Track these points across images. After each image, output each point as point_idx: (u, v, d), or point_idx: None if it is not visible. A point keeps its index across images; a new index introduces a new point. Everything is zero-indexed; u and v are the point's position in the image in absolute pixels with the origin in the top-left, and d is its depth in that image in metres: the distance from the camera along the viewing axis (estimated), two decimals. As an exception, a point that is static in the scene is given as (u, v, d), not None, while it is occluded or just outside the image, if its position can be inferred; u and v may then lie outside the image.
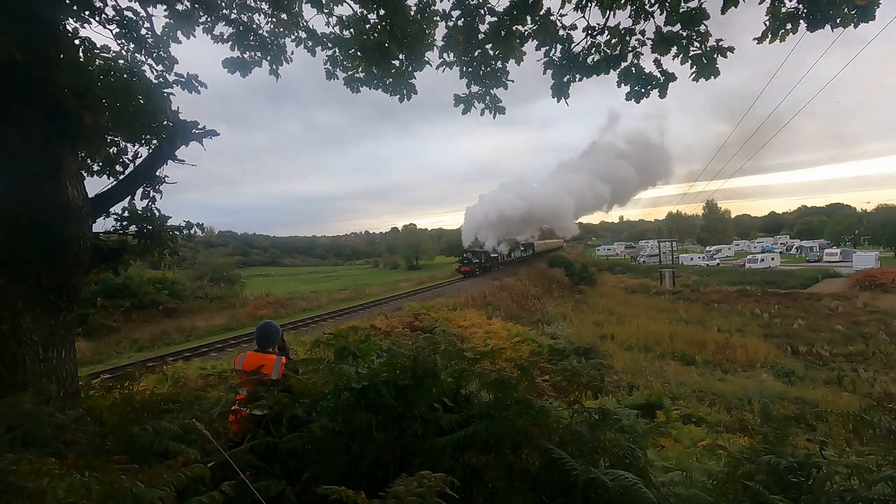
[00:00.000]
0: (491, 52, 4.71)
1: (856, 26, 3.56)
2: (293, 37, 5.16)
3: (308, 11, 5.00)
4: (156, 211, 4.15)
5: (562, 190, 60.55)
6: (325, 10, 4.97)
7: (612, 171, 65.22)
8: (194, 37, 4.79)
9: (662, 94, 4.35)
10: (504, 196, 51.55)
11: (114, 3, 4.20)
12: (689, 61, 4.11)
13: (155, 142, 3.98)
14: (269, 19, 5.08)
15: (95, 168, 4.16)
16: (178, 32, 4.61)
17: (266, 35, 5.11)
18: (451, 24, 4.58)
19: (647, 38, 4.20)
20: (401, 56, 5.00)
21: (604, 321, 28.44)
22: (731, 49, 4.05)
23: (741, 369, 20.71)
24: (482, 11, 4.48)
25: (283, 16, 5.01)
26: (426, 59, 5.04)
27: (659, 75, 4.30)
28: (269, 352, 3.84)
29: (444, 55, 4.76)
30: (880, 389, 17.82)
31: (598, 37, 4.33)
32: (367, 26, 4.93)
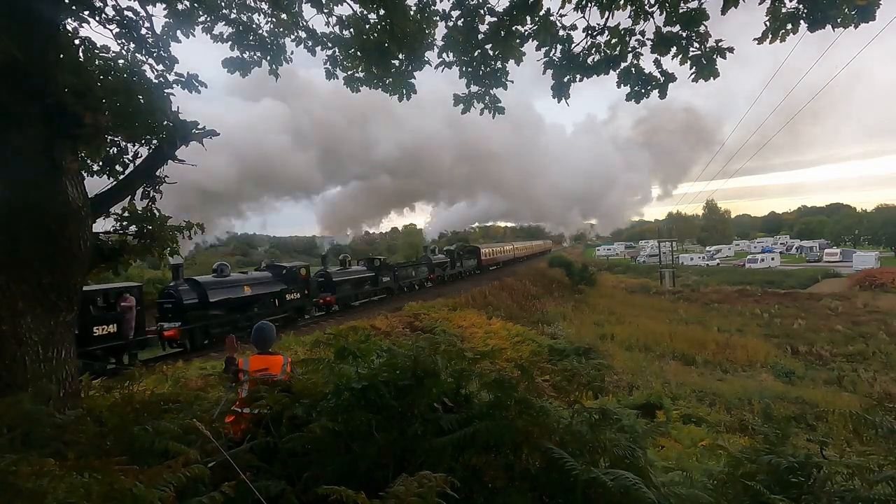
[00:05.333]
0: (491, 52, 4.71)
1: (856, 26, 3.56)
2: (293, 37, 5.16)
3: (308, 11, 5.00)
4: (156, 211, 4.15)
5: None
6: (325, 10, 4.97)
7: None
8: (193, 36, 4.79)
9: (662, 95, 4.35)
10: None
11: (114, 2, 4.20)
12: (689, 62, 4.12)
13: (155, 142, 3.99)
14: (269, 19, 5.08)
15: (95, 168, 4.16)
16: (178, 32, 4.61)
17: (266, 35, 5.11)
18: (451, 24, 4.58)
19: (647, 39, 4.20)
20: (401, 56, 5.00)
21: (604, 321, 28.41)
22: (731, 49, 4.05)
23: (741, 369, 20.70)
24: (482, 11, 4.48)
25: (283, 16, 5.01)
26: (426, 58, 5.04)
27: (659, 76, 4.31)
28: (271, 352, 3.85)
29: (444, 55, 4.76)
30: (880, 389, 17.82)
31: (598, 37, 4.33)
32: (367, 26, 4.93)
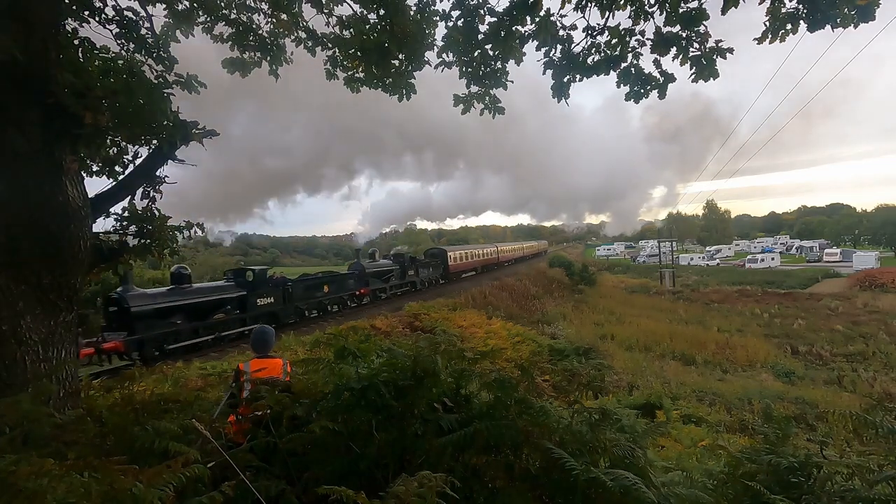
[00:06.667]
0: (490, 53, 4.71)
1: (856, 26, 3.56)
2: (293, 37, 5.16)
3: (308, 11, 5.01)
4: (156, 211, 4.15)
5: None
6: (325, 11, 4.97)
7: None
8: (193, 36, 4.80)
9: (662, 95, 4.35)
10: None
11: (114, 3, 4.20)
12: (689, 62, 4.12)
13: (155, 142, 3.99)
14: (269, 19, 5.08)
15: (95, 168, 4.16)
16: (178, 32, 4.61)
17: (266, 35, 5.11)
18: (450, 24, 4.58)
19: (647, 39, 4.20)
20: (401, 56, 5.00)
21: (604, 321, 28.38)
22: (731, 50, 4.05)
23: (741, 369, 20.68)
24: (482, 11, 4.48)
25: (283, 16, 5.01)
26: (426, 59, 5.04)
27: (658, 76, 4.31)
28: (270, 355, 3.85)
29: (444, 55, 4.76)
30: (880, 389, 17.79)
31: (598, 37, 4.33)
32: (367, 26, 4.93)
